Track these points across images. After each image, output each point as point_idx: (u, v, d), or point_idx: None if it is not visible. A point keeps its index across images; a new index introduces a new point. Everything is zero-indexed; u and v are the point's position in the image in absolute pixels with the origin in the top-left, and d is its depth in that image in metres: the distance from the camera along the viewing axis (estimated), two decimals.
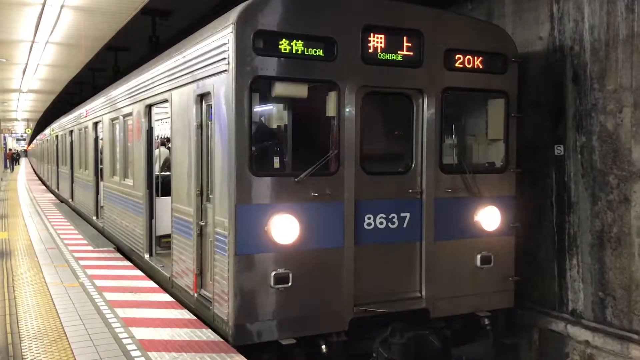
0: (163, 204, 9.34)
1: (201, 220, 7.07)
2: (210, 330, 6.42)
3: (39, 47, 15.58)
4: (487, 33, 7.43)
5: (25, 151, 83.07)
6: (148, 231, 9.57)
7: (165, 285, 8.38)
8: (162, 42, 13.17)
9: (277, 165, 6.68)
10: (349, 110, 6.46)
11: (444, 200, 7.02)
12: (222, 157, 6.27)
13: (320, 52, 6.26)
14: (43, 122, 45.48)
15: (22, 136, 74.45)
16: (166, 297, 7.82)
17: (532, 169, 8.18)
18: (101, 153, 14.47)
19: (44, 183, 34.05)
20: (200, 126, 7.10)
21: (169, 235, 8.42)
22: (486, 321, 7.25)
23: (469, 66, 7.11)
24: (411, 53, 6.75)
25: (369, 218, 6.65)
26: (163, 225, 9.35)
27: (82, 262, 10.09)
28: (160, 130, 13.61)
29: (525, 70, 8.04)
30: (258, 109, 7.18)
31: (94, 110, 15.07)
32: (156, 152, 10.19)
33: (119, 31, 13.42)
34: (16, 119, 49.87)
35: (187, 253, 7.47)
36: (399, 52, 6.69)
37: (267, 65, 6.03)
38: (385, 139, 7.86)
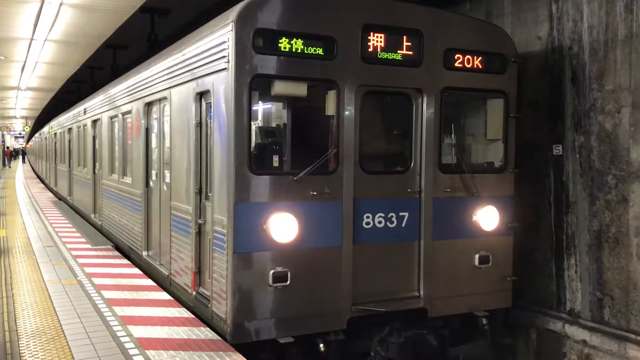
0: None
1: (200, 219, 7.07)
2: (208, 328, 6.42)
3: (38, 45, 15.55)
4: (486, 33, 7.44)
5: (24, 149, 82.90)
6: (146, 229, 9.57)
7: (163, 283, 8.38)
8: (161, 40, 13.17)
9: (276, 164, 6.68)
10: (349, 109, 6.47)
11: (443, 199, 7.02)
12: (221, 155, 6.27)
13: (319, 51, 6.26)
14: (42, 120, 45.42)
15: (20, 134, 74.40)
16: (164, 295, 7.81)
17: (531, 169, 8.19)
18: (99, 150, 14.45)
19: (42, 181, 34.00)
20: (199, 124, 7.10)
21: None
22: (484, 321, 7.26)
23: (469, 66, 7.12)
24: (411, 52, 6.75)
25: (368, 217, 6.65)
26: None
27: (80, 260, 10.08)
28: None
29: (524, 70, 8.05)
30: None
31: (93, 108, 15.06)
32: None
33: (117, 29, 13.40)
34: (15, 117, 49.77)
35: (185, 251, 7.47)
36: (398, 52, 6.69)
37: (266, 64, 6.03)
38: (385, 139, 7.86)
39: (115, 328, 6.40)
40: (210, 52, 6.51)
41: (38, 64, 19.01)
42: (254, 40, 5.95)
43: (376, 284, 6.73)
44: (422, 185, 6.94)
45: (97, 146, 14.51)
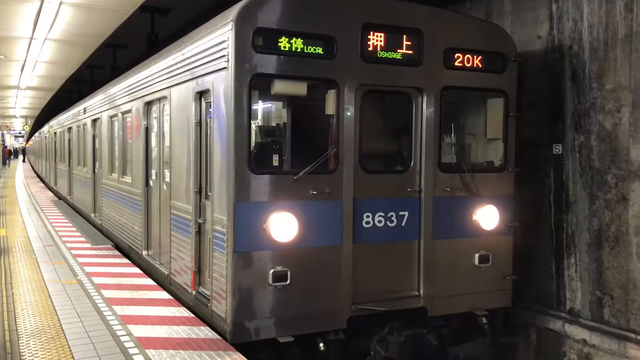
0: None
1: (200, 218, 7.07)
2: (208, 327, 6.42)
3: (38, 44, 15.56)
4: (486, 32, 7.43)
5: (24, 148, 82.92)
6: (146, 228, 9.57)
7: (163, 282, 8.39)
8: (161, 39, 13.17)
9: (276, 163, 6.68)
10: (348, 108, 6.46)
11: (443, 199, 7.02)
12: (221, 154, 6.27)
13: (319, 50, 6.25)
14: (41, 119, 45.41)
15: (20, 133, 74.39)
16: (164, 295, 7.82)
17: (531, 168, 8.19)
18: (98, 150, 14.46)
19: (42, 180, 34.00)
20: (199, 123, 7.09)
21: None
22: (484, 320, 7.26)
23: (468, 65, 7.11)
24: (411, 52, 6.75)
25: (368, 216, 6.65)
26: None
27: (80, 260, 10.08)
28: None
29: (524, 69, 8.04)
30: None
31: (93, 107, 15.06)
32: None
33: (117, 28, 13.41)
34: (14, 116, 49.78)
35: (185, 251, 7.47)
36: (398, 51, 6.69)
37: (266, 63, 6.03)
38: (385, 138, 7.86)
39: (115, 327, 6.40)
40: (210, 51, 6.51)
41: (38, 63, 19.02)
42: (254, 40, 5.95)
43: (376, 283, 6.73)
44: (422, 184, 6.94)
45: (97, 145, 14.52)
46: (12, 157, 66.57)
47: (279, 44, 6.05)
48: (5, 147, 64.40)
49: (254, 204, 6.05)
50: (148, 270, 9.20)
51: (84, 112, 16.46)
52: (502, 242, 7.46)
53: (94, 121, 14.80)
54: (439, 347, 6.85)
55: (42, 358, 5.47)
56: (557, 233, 8.04)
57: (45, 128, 32.05)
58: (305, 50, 6.18)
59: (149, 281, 8.59)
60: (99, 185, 14.00)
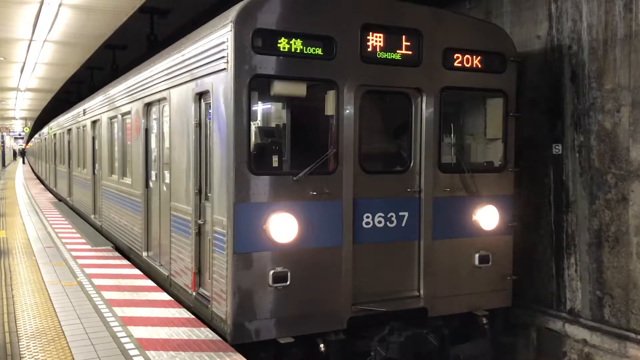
0: None
1: (199, 219, 7.07)
2: (208, 329, 6.42)
3: (37, 46, 15.55)
4: (485, 32, 7.44)
5: (23, 150, 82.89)
6: (146, 229, 9.57)
7: (163, 283, 8.39)
8: (161, 40, 13.17)
9: (275, 164, 6.68)
10: (348, 109, 6.47)
11: (443, 199, 7.03)
12: (221, 155, 6.27)
13: (319, 51, 6.26)
14: (41, 121, 45.40)
15: (20, 135, 74.38)
16: (164, 296, 7.82)
17: (530, 168, 8.19)
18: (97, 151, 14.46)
19: (42, 182, 34.01)
20: (198, 125, 7.10)
21: None
22: (484, 320, 7.26)
23: (468, 65, 7.12)
24: (410, 52, 6.75)
25: (368, 217, 6.65)
26: None
27: (80, 261, 10.08)
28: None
29: (523, 69, 8.05)
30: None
31: (92, 109, 15.07)
32: None
33: (117, 29, 13.40)
34: (14, 118, 49.74)
35: (185, 252, 7.48)
36: (397, 51, 6.69)
37: (265, 64, 6.03)
38: (384, 138, 7.86)
39: (115, 329, 6.40)
40: (210, 52, 6.51)
41: (37, 65, 19.00)
42: (253, 41, 5.95)
43: (376, 283, 6.73)
44: (421, 184, 6.94)
45: (96, 147, 14.52)
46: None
47: (279, 45, 6.06)
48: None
49: (253, 204, 6.05)
50: (148, 272, 9.20)
51: (84, 113, 16.46)
52: (502, 242, 7.46)
53: (94, 122, 14.81)
54: (439, 347, 6.85)
55: None
56: (557, 233, 8.04)
57: (45, 130, 32.03)
58: (305, 51, 6.18)
59: (149, 282, 8.59)
60: (99, 186, 14.00)
